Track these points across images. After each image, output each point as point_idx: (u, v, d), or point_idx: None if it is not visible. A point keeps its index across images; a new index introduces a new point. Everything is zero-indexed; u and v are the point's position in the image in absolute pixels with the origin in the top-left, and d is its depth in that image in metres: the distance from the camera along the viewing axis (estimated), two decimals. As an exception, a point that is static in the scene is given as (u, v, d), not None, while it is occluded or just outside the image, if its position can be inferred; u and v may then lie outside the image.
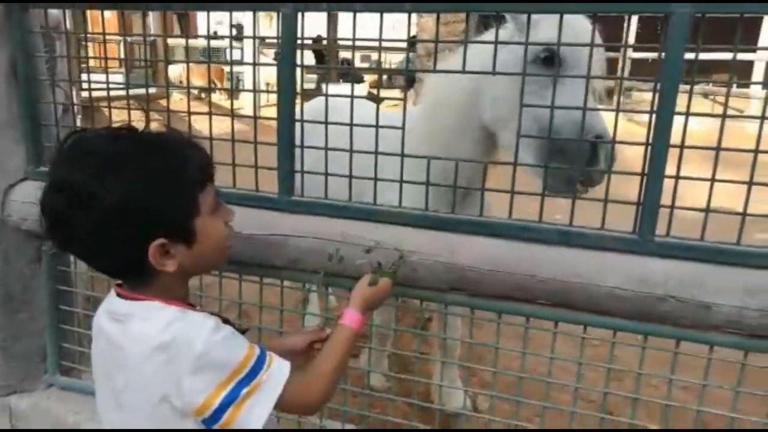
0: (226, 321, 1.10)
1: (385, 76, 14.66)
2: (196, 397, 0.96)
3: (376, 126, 1.51)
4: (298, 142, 1.57)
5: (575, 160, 1.46)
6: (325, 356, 1.15)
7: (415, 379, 1.76)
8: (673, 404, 1.46)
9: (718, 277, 1.30)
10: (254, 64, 6.62)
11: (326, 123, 1.56)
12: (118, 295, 1.06)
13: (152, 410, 0.99)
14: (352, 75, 10.29)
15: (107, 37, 1.76)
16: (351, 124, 1.53)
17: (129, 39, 1.78)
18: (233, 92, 6.59)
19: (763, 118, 1.24)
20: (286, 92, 1.53)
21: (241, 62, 10.39)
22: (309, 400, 1.08)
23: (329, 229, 1.56)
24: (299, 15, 1.48)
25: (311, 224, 1.58)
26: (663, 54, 1.24)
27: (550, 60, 1.55)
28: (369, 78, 13.55)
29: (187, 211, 1.03)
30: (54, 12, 1.88)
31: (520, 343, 1.54)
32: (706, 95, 11.80)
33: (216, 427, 0.99)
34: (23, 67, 1.78)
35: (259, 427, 1.00)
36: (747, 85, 12.18)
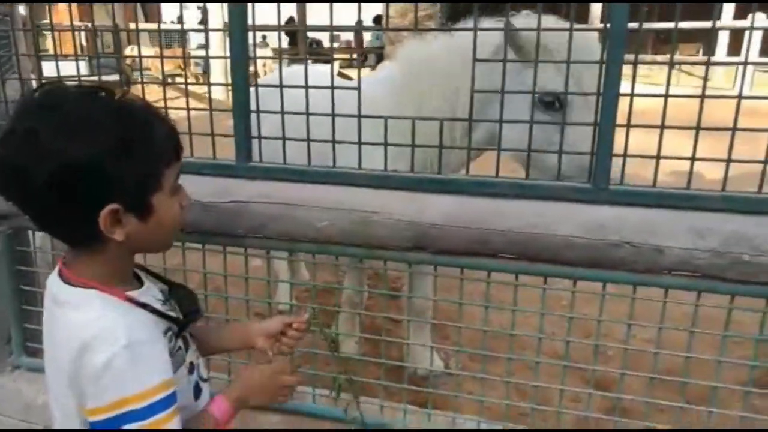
0: (183, 319, 1.09)
1: (355, 56, 14.57)
2: (88, 402, 0.94)
3: (332, 87, 1.51)
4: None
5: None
6: None
7: (386, 340, 1.77)
8: (631, 348, 1.51)
9: (668, 221, 1.33)
10: (206, 30, 6.51)
11: (281, 87, 1.55)
12: (60, 274, 1.03)
13: (63, 394, 0.98)
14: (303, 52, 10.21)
15: (68, 25, 1.71)
16: (306, 87, 1.53)
17: (91, 26, 1.70)
18: (197, 76, 6.48)
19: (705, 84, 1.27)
20: (238, 57, 1.52)
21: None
22: None
23: (290, 194, 1.55)
24: (248, -23, 1.46)
25: (272, 189, 1.58)
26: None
27: (551, 104, 1.66)
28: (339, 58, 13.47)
29: (150, 184, 0.99)
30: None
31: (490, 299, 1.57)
32: (676, 65, 11.98)
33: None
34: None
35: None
36: (713, 53, 12.37)
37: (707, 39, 12.26)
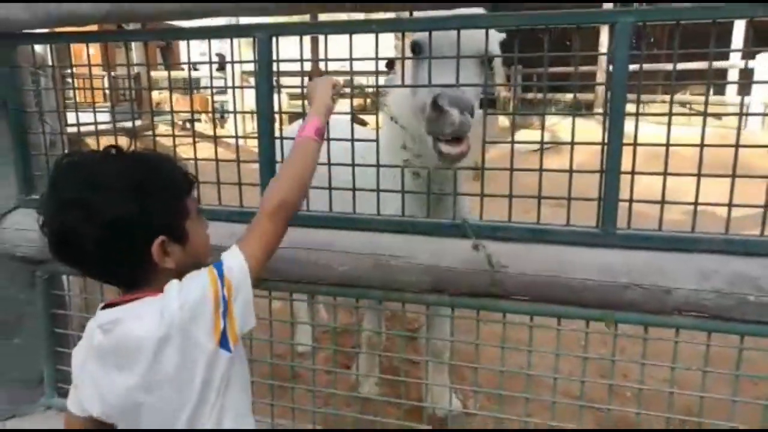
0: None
1: (369, 101, 14.89)
2: (208, 333, 1.08)
3: (352, 140, 1.61)
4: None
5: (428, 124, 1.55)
6: (288, 162, 1.27)
7: (405, 380, 1.82)
8: (646, 387, 1.54)
9: (675, 263, 1.39)
10: (234, 87, 6.72)
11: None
12: (105, 307, 1.13)
13: (200, 363, 1.08)
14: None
15: (92, 71, 1.85)
16: (328, 139, 1.62)
17: (113, 73, 1.85)
18: (215, 120, 6.68)
19: (705, 114, 1.35)
20: (265, 111, 1.62)
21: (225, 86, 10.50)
22: (277, 208, 1.20)
23: (311, 239, 1.64)
24: (273, 39, 1.58)
25: (296, 234, 1.66)
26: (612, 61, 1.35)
27: (415, 49, 1.71)
28: (355, 103, 13.72)
29: (179, 213, 1.15)
30: (39, 51, 1.97)
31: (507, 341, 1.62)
32: (683, 104, 12.07)
33: (229, 346, 1.10)
34: (12, 100, 1.86)
35: (254, 324, 1.15)
36: (723, 92, 12.48)
37: (716, 79, 12.39)
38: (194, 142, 1.79)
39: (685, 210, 1.46)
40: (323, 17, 1.80)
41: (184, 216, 1.16)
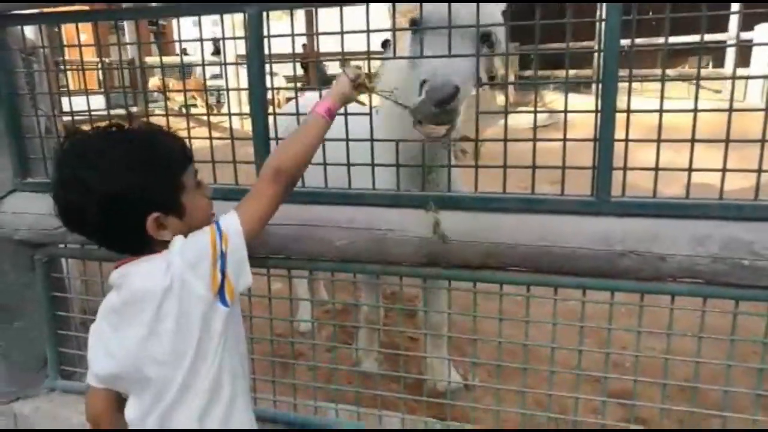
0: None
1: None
2: (206, 285, 1.14)
3: (345, 114, 1.60)
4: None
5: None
6: (293, 134, 1.31)
7: (405, 355, 1.83)
8: (642, 355, 1.55)
9: (669, 230, 1.39)
10: (225, 63, 6.68)
11: (297, 114, 1.65)
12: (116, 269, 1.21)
13: (197, 313, 1.14)
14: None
15: (84, 56, 1.83)
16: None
17: (107, 59, 1.84)
18: (208, 105, 6.65)
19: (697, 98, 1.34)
20: (257, 88, 1.62)
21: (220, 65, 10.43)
22: (275, 167, 1.27)
23: (307, 215, 1.64)
24: (264, 15, 1.56)
25: (290, 212, 1.66)
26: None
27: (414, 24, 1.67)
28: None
29: (175, 189, 1.20)
30: (30, 36, 1.96)
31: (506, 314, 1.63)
32: (684, 79, 12.00)
33: (227, 300, 1.17)
34: (4, 83, 1.85)
35: (250, 282, 1.21)
36: (722, 65, 12.38)
37: (715, 51, 12.28)
38: (188, 126, 1.79)
39: (685, 184, 1.46)
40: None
41: (179, 191, 1.20)
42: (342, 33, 1.55)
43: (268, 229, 1.66)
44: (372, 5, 1.53)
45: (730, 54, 11.55)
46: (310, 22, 11.41)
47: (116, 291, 1.18)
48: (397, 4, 1.59)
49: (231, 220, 1.21)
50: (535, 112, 1.51)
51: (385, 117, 1.88)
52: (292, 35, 1.62)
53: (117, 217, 1.13)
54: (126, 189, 1.12)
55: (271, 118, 1.70)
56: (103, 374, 1.19)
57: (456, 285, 1.68)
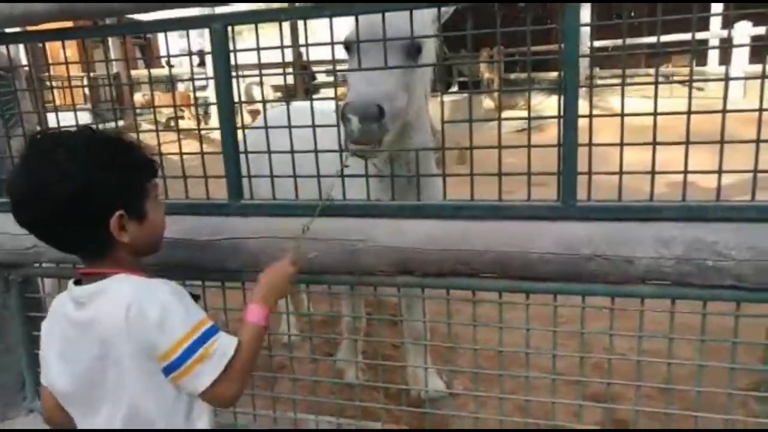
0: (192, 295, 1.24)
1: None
2: (163, 346, 1.11)
3: (313, 126, 1.61)
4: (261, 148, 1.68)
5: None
6: (238, 357, 1.17)
7: (386, 365, 1.83)
8: (614, 357, 1.56)
9: (635, 232, 1.40)
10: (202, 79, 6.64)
11: (266, 127, 1.65)
12: (78, 283, 1.21)
13: (138, 365, 1.13)
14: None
15: (70, 72, 1.84)
16: (289, 126, 1.62)
17: (92, 74, 1.85)
18: (199, 116, 6.65)
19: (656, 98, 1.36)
20: (225, 103, 1.62)
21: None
22: (222, 391, 1.15)
23: (278, 227, 1.64)
24: (229, 29, 1.57)
25: (261, 225, 1.67)
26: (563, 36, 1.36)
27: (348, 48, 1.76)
28: (341, 91, 13.65)
29: (140, 192, 1.23)
30: (5, 52, 1.95)
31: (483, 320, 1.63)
32: (666, 76, 12.08)
33: (172, 375, 1.12)
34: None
35: (201, 392, 1.14)
36: (704, 62, 12.49)
37: (697, 50, 12.39)
38: (179, 139, 1.79)
39: (670, 181, 1.46)
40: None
41: (143, 196, 1.23)
42: (306, 45, 1.56)
43: (240, 242, 1.67)
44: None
45: (713, 53, 11.69)
46: (295, 29, 11.45)
47: (77, 306, 1.17)
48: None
49: (230, 347, 1.16)
50: (500, 119, 1.51)
51: None
52: (258, 49, 1.62)
53: (82, 208, 1.12)
54: (97, 179, 1.13)
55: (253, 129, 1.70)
56: (59, 388, 1.22)
57: (429, 293, 1.68)
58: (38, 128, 2.29)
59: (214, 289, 1.81)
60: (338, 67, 1.72)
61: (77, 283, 1.22)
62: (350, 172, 1.64)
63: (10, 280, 1.98)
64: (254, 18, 1.56)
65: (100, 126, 1.84)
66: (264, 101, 1.85)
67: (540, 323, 1.70)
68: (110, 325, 1.12)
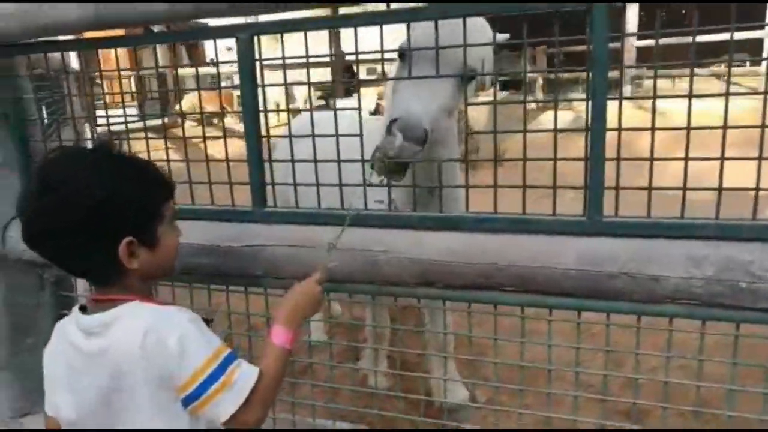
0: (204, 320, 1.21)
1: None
2: (182, 376, 1.08)
3: (336, 135, 1.60)
4: (283, 155, 1.70)
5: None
6: (261, 380, 1.15)
7: (410, 374, 1.82)
8: (671, 381, 1.48)
9: (663, 250, 1.35)
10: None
11: (290, 136, 1.66)
12: (85, 311, 1.18)
13: (151, 395, 1.10)
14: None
15: (111, 71, 1.89)
16: (313, 135, 1.62)
17: (140, 73, 1.92)
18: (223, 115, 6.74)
19: (690, 96, 1.30)
20: (249, 110, 1.63)
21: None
22: (246, 419, 1.12)
23: (301, 236, 1.64)
24: (255, 38, 1.58)
25: (284, 233, 1.67)
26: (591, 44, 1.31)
27: (402, 56, 1.72)
28: (377, 90, 13.63)
29: (153, 217, 1.18)
30: (56, 54, 2.01)
31: (514, 337, 1.60)
32: (718, 76, 11.66)
33: (191, 407, 1.10)
34: (14, 110, 1.91)
35: (224, 421, 1.10)
36: (759, 63, 11.99)
37: (753, 49, 11.93)
38: (224, 138, 1.81)
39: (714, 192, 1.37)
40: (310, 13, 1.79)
41: (156, 220, 1.18)
42: (331, 56, 1.56)
43: (263, 249, 1.68)
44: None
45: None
46: (336, 34, 11.50)
47: (87, 335, 1.13)
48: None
49: (253, 372, 1.14)
50: (525, 131, 1.47)
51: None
52: (284, 58, 1.63)
53: (88, 237, 1.09)
54: (108, 202, 1.09)
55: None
56: (67, 416, 1.18)
57: (450, 304, 1.66)
58: (87, 129, 2.37)
59: (239, 294, 1.83)
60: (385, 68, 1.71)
61: (82, 309, 1.19)
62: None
63: (44, 279, 2.05)
64: (280, 28, 1.57)
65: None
66: (288, 110, 1.85)
67: (564, 337, 1.66)
68: (125, 354, 1.08)
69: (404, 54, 1.68)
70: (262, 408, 1.14)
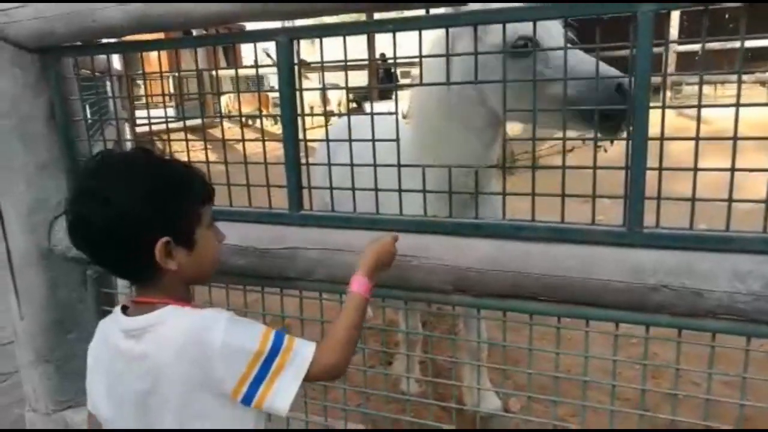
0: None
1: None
2: (230, 382, 1.09)
3: (373, 140, 1.61)
4: (323, 159, 1.72)
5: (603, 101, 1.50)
6: (339, 324, 1.24)
7: (444, 382, 1.81)
8: (713, 398, 1.44)
9: (706, 263, 1.31)
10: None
11: (327, 140, 1.67)
12: (126, 313, 1.19)
13: (190, 402, 1.11)
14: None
15: (155, 74, 1.94)
16: (350, 140, 1.63)
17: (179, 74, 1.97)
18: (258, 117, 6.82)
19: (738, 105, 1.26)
20: (288, 113, 1.65)
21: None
22: (327, 368, 1.18)
23: (335, 240, 1.65)
24: (294, 42, 1.60)
25: (319, 236, 1.68)
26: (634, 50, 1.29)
27: (524, 46, 1.66)
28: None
29: (191, 219, 1.19)
30: (101, 56, 2.08)
31: (550, 344, 1.58)
32: (763, 83, 11.31)
33: (252, 405, 1.11)
34: (60, 110, 1.97)
35: (287, 406, 1.13)
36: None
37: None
38: (263, 136, 1.84)
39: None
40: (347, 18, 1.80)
41: (194, 222, 1.19)
42: (371, 60, 1.56)
43: (299, 252, 1.69)
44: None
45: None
46: (371, 37, 11.51)
47: (129, 339, 1.15)
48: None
49: (308, 348, 1.17)
50: (565, 139, 1.45)
51: (416, 135, 1.88)
52: (322, 62, 1.64)
53: (125, 237, 1.11)
54: (142, 209, 1.10)
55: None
56: (106, 416, 1.21)
57: (484, 312, 1.64)
58: (126, 128, 2.43)
59: (275, 296, 1.85)
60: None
61: (123, 309, 1.21)
62: (407, 181, 1.63)
63: (87, 275, 2.11)
64: (318, 33, 1.58)
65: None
66: (326, 114, 1.86)
67: (600, 346, 1.62)
68: (165, 358, 1.10)
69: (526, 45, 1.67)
70: (336, 353, 1.19)
